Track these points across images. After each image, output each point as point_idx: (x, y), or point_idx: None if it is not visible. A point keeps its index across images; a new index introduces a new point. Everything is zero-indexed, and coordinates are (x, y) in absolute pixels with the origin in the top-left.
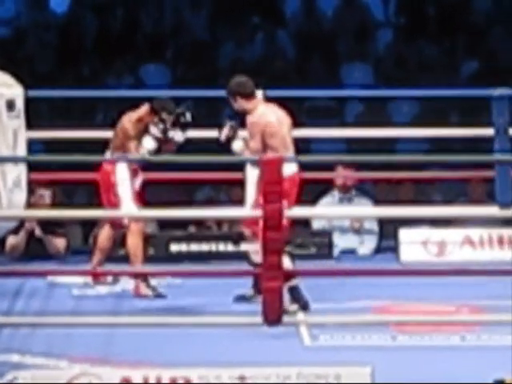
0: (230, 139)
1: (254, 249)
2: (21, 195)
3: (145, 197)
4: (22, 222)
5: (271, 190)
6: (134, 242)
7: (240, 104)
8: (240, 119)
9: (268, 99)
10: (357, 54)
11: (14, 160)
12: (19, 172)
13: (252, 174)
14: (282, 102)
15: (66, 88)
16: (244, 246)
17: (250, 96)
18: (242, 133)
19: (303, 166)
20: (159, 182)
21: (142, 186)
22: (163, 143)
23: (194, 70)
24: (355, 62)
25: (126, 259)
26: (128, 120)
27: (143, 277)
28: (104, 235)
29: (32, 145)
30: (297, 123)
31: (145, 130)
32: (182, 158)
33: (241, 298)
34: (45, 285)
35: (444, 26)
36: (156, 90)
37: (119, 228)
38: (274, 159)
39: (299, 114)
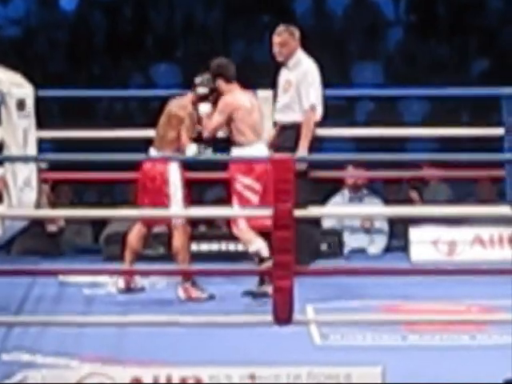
0: (202, 98)
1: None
2: (31, 194)
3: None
4: (32, 221)
5: (281, 189)
6: (181, 244)
7: (219, 85)
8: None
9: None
10: (367, 53)
11: (25, 159)
12: (30, 171)
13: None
14: None
15: (77, 87)
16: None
17: (229, 80)
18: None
19: (314, 165)
20: None
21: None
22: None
23: (205, 70)
24: (365, 61)
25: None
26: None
27: (189, 280)
28: (136, 235)
29: (42, 144)
30: None
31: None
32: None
33: (248, 294)
34: (55, 284)
35: (455, 25)
36: (166, 90)
37: (152, 228)
38: (285, 158)
39: None
